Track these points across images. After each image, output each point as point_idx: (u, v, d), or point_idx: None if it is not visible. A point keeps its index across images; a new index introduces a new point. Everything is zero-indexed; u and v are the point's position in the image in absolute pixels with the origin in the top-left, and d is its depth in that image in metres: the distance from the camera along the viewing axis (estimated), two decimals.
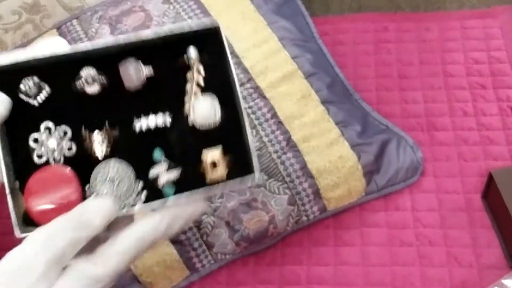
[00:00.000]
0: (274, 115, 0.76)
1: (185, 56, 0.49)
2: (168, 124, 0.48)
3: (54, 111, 0.47)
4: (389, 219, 0.79)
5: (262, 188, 0.75)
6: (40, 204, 0.44)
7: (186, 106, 0.48)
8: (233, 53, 0.80)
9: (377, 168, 0.80)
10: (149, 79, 0.48)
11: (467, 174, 0.81)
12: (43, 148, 0.46)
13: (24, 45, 0.93)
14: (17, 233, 0.44)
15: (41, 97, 0.47)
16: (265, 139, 0.75)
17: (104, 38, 0.48)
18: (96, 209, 0.43)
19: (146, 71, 0.48)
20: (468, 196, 0.79)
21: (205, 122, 0.48)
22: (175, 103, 0.48)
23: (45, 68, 0.48)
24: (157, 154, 0.47)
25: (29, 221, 0.44)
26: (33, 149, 0.46)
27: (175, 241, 0.75)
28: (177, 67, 0.49)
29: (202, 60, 0.49)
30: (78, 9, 0.97)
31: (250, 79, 0.78)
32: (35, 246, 0.40)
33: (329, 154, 0.77)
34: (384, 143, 0.82)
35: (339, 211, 0.80)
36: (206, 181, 0.47)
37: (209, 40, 0.50)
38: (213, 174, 0.47)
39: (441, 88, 0.90)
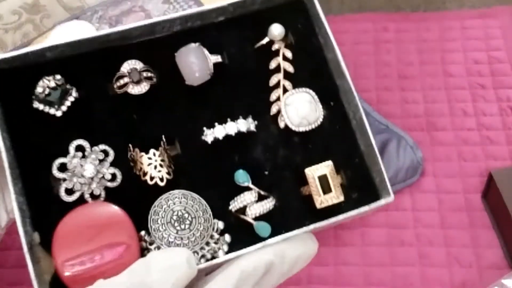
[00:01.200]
0: None
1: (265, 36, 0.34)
2: (251, 130, 0.33)
3: (86, 123, 0.33)
4: (389, 219, 0.79)
5: None
6: (77, 264, 0.29)
7: (274, 106, 0.34)
8: None
9: None
10: (217, 70, 0.34)
11: (467, 174, 0.81)
12: (74, 179, 0.31)
13: (24, 45, 0.93)
14: None
15: (67, 104, 0.32)
16: None
17: (151, 18, 0.35)
18: (167, 269, 0.27)
19: (214, 59, 0.34)
20: (468, 196, 0.79)
21: (304, 122, 0.34)
22: (257, 99, 0.35)
23: (69, 64, 0.33)
24: (241, 176, 0.33)
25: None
26: (60, 181, 0.31)
27: None
28: (255, 52, 0.35)
29: (289, 41, 0.35)
30: (78, 9, 0.97)
31: None
32: None
33: None
34: (384, 143, 0.82)
35: None
36: (316, 208, 0.33)
37: (296, 13, 0.36)
38: (325, 200, 0.33)
39: (441, 88, 0.90)
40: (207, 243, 0.32)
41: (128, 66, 0.33)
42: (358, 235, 0.78)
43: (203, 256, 0.32)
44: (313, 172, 0.33)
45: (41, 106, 0.32)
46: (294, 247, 0.31)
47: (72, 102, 0.33)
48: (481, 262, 0.73)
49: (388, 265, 0.75)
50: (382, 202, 0.34)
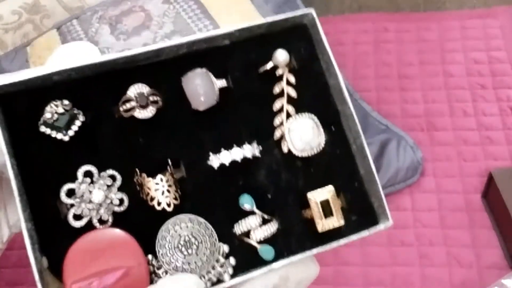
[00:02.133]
0: None
1: (269, 61, 0.34)
2: (255, 155, 0.34)
3: (92, 147, 0.33)
4: None
5: None
6: (85, 287, 0.29)
7: (278, 131, 0.35)
8: None
9: (377, 168, 0.80)
10: (223, 94, 0.34)
11: (467, 174, 0.81)
12: (83, 205, 0.31)
13: (24, 45, 0.93)
14: None
15: (74, 128, 0.32)
16: None
17: (161, 42, 0.34)
18: None
19: (220, 84, 0.34)
20: (468, 196, 0.79)
21: (307, 148, 0.34)
22: (261, 124, 0.35)
23: (75, 87, 0.33)
24: (246, 201, 0.33)
25: None
26: (68, 207, 0.31)
27: None
28: (259, 77, 0.35)
29: (292, 65, 0.35)
30: (78, 9, 0.97)
31: None
32: None
33: None
34: (384, 143, 0.82)
35: None
36: (318, 232, 0.34)
37: (300, 38, 0.36)
38: (326, 224, 0.34)
39: (441, 88, 0.90)
40: (213, 267, 0.32)
41: (134, 90, 0.33)
42: None
43: (209, 279, 0.32)
44: (315, 197, 0.34)
45: (48, 131, 0.32)
46: (298, 271, 0.32)
47: (79, 127, 0.33)
48: (481, 262, 0.73)
49: (388, 265, 0.75)
50: (381, 227, 0.35)
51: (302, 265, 0.33)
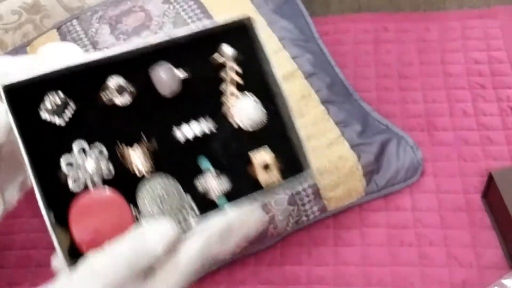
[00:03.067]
0: None
1: (218, 54, 0.46)
2: (211, 130, 0.45)
3: (83, 128, 0.42)
4: (389, 219, 0.79)
5: None
6: (91, 234, 0.39)
7: (225, 108, 0.45)
8: None
9: (377, 168, 0.80)
10: (184, 83, 0.45)
11: (467, 174, 0.81)
12: (79, 172, 0.41)
13: (24, 45, 0.93)
14: (67, 269, 0.38)
15: (68, 115, 0.42)
16: None
17: (131, 42, 0.42)
18: (157, 233, 0.37)
19: (180, 74, 0.44)
20: (468, 196, 0.79)
21: (251, 123, 0.45)
22: (215, 106, 0.45)
23: (67, 81, 0.43)
24: (203, 162, 0.44)
25: (77, 255, 0.39)
26: (67, 174, 0.41)
27: None
28: (211, 67, 0.46)
29: (236, 57, 0.46)
30: (78, 9, 0.97)
31: None
32: (89, 277, 0.35)
33: (329, 154, 0.77)
34: (384, 143, 0.82)
35: (339, 211, 0.80)
36: (261, 185, 0.44)
37: (242, 35, 0.48)
38: (267, 177, 0.44)
39: (441, 88, 0.90)
40: (182, 216, 0.42)
41: (112, 81, 0.43)
42: (358, 235, 0.78)
43: (182, 221, 0.42)
44: (256, 156, 0.44)
45: (48, 118, 0.41)
46: (245, 212, 0.41)
47: (72, 114, 0.42)
48: (481, 262, 0.73)
49: (388, 265, 0.75)
50: (304, 174, 0.45)
51: (249, 211, 0.41)
